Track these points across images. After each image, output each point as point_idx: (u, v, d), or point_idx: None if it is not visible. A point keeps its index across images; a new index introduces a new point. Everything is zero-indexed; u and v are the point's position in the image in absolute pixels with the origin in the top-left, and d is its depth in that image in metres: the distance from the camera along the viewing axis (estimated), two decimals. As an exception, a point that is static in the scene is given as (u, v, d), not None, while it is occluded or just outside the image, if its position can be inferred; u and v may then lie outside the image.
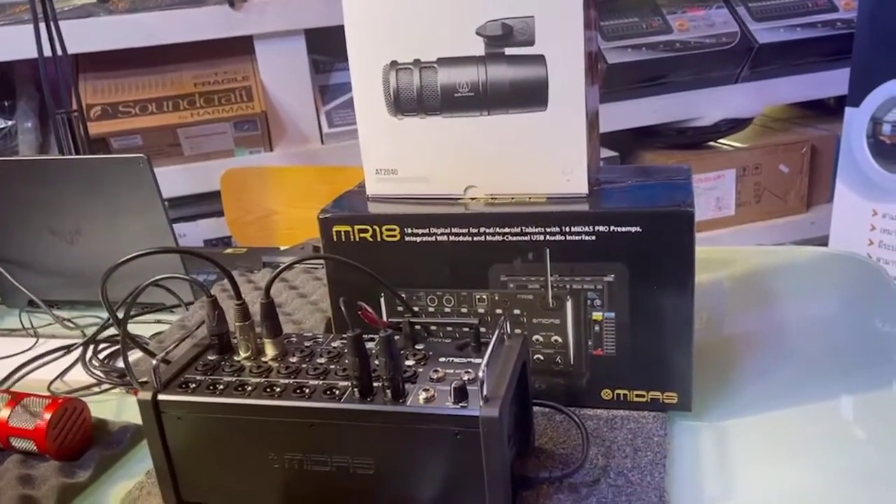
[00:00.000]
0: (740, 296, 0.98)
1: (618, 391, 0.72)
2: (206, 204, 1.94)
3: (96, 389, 0.85)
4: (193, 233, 1.92)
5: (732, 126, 2.39)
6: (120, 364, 0.87)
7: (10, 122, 1.87)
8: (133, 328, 0.97)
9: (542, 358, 0.72)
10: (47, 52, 1.45)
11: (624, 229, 0.66)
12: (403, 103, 0.72)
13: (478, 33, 0.69)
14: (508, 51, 0.69)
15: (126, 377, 0.83)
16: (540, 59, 0.68)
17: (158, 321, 0.99)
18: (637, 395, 0.71)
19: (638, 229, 0.66)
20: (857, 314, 0.92)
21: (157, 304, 1.00)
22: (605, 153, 2.27)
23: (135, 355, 0.81)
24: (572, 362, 0.72)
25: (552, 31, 0.68)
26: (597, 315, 0.70)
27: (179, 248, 0.89)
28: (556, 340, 0.71)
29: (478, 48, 0.69)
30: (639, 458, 0.65)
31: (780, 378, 0.78)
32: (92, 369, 0.87)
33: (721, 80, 2.27)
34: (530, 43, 0.68)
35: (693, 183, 0.73)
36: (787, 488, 0.62)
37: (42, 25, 1.44)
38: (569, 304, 0.70)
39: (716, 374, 0.78)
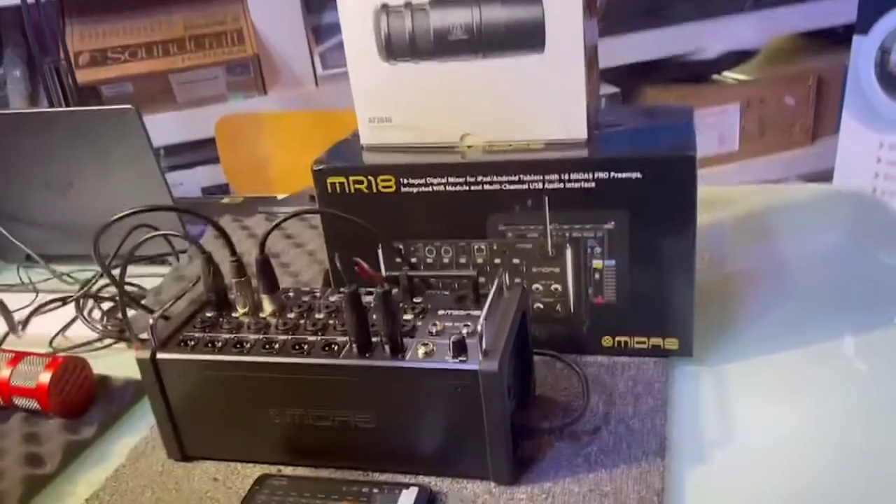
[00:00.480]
0: (743, 236, 0.97)
1: (618, 338, 0.71)
2: (202, 151, 1.91)
3: (98, 344, 0.85)
4: (191, 181, 1.91)
5: (737, 58, 2.34)
6: (121, 317, 0.87)
7: (-3, 72, 1.83)
8: (130, 279, 0.97)
9: (542, 306, 0.72)
10: (30, -2, 1.40)
11: (624, 175, 0.65)
12: (395, 48, 0.70)
13: (471, -28, 0.66)
14: (503, -10, 0.66)
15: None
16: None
17: (158, 274, 0.98)
18: (638, 342, 0.71)
19: (638, 175, 0.64)
20: (861, 251, 0.91)
21: (152, 255, 1.00)
22: (607, 89, 2.22)
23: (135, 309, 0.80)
24: (572, 310, 0.71)
25: (549, -31, 0.65)
26: (597, 263, 0.69)
27: (171, 206, 0.88)
28: (555, 289, 0.71)
29: (471, -12, 0.67)
30: (640, 404, 0.65)
31: (782, 318, 0.77)
32: (93, 323, 0.87)
33: (726, 10, 2.21)
34: (526, -19, 0.65)
35: (695, 124, 0.71)
36: (789, 430, 0.62)
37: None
38: (568, 253, 0.69)
39: (717, 317, 0.77)
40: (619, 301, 0.70)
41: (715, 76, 2.40)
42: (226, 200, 1.23)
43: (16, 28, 1.88)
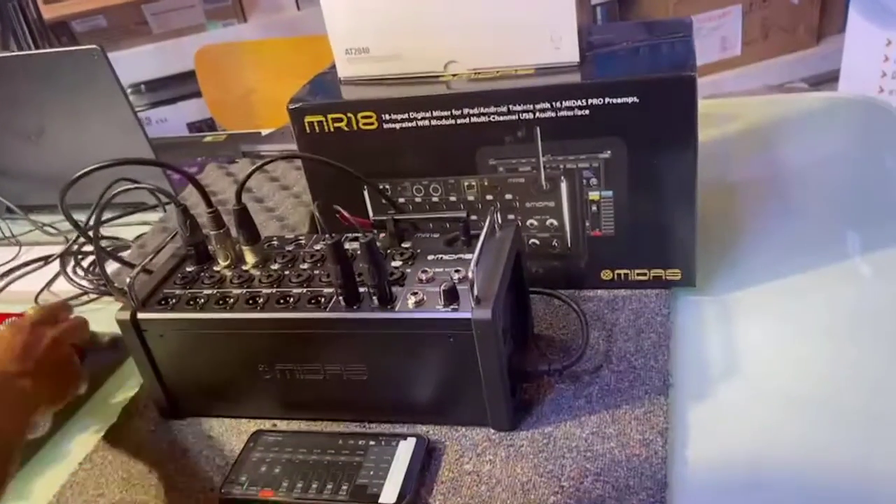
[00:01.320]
0: (746, 153, 0.93)
1: (618, 271, 0.69)
2: (185, 85, 1.84)
3: (84, 299, 0.83)
4: (175, 116, 1.84)
5: (738, -43, 2.22)
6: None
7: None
8: (115, 231, 0.94)
9: (537, 242, 0.69)
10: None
11: (620, 100, 0.60)
12: (369, -29, 0.64)
13: None
14: None
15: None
16: None
17: (144, 222, 0.95)
18: (638, 274, 0.68)
19: (635, 99, 0.60)
20: (869, 163, 0.87)
21: (134, 207, 0.96)
22: (602, -4, 2.13)
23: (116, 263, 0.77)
24: (570, 245, 0.68)
25: None
26: (593, 195, 0.65)
27: (139, 159, 0.82)
28: (551, 224, 0.67)
29: None
30: (641, 340, 0.63)
31: (788, 240, 0.74)
32: (76, 279, 0.84)
33: None
34: None
35: (695, 36, 0.66)
36: (796, 361, 0.60)
37: None
38: (563, 186, 0.65)
39: (720, 243, 0.74)
40: (617, 233, 0.67)
41: (716, -23, 2.29)
42: (209, 139, 1.18)
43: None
